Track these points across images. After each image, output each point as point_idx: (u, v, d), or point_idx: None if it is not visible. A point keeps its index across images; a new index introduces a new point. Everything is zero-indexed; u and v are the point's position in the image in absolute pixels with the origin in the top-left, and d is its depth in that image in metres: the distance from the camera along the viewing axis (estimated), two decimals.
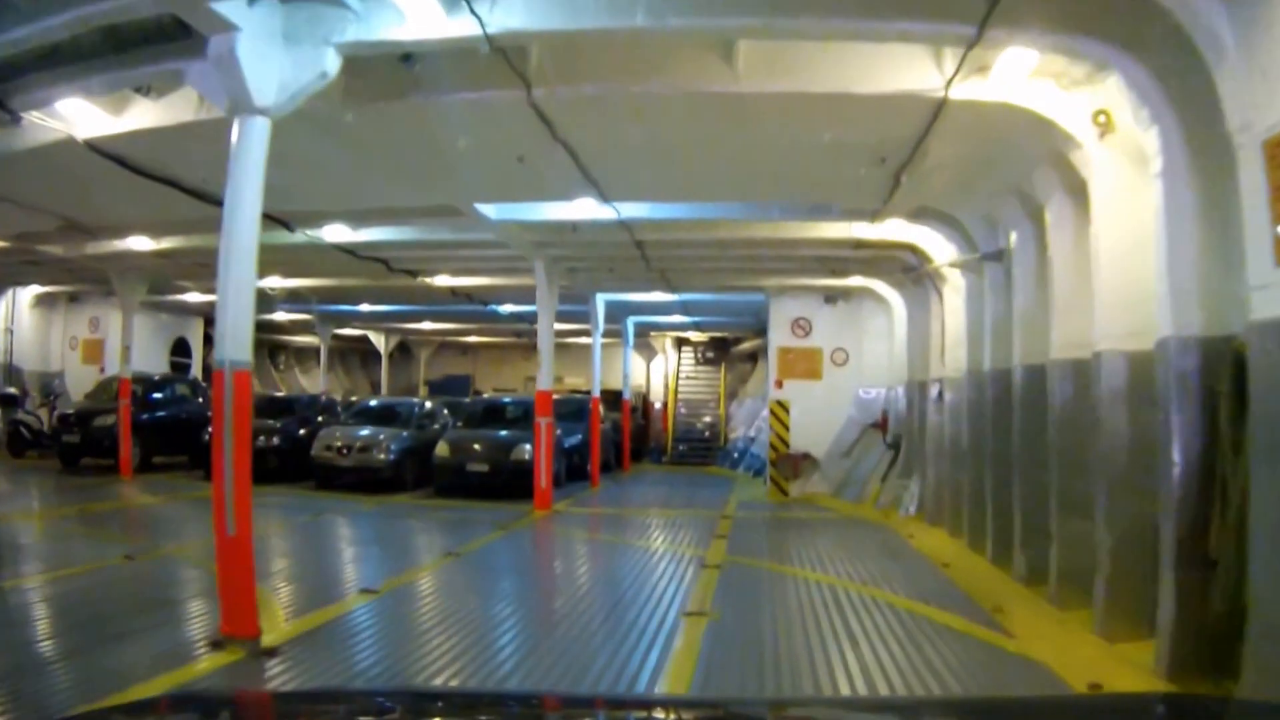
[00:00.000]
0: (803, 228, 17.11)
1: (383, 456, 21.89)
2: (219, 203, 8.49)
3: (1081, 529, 9.78)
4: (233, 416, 8.35)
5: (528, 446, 20.48)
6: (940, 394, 16.78)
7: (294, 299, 28.09)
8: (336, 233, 17.76)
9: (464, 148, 11.41)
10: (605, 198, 14.16)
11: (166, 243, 19.24)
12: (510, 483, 20.66)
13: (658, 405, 38.49)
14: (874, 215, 15.15)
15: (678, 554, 14.17)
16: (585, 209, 15.23)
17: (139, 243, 19.29)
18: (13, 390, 26.63)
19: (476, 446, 21.74)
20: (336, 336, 38.89)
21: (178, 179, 13.34)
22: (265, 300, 26.97)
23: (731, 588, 11.68)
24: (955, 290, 16.03)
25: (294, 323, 36.34)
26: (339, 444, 22.02)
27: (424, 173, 12.86)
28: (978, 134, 10.56)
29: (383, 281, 23.31)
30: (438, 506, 19.65)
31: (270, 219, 15.22)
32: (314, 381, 38.98)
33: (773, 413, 23.88)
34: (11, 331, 28.08)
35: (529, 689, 7.34)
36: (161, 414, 24.80)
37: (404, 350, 45.61)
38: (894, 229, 16.29)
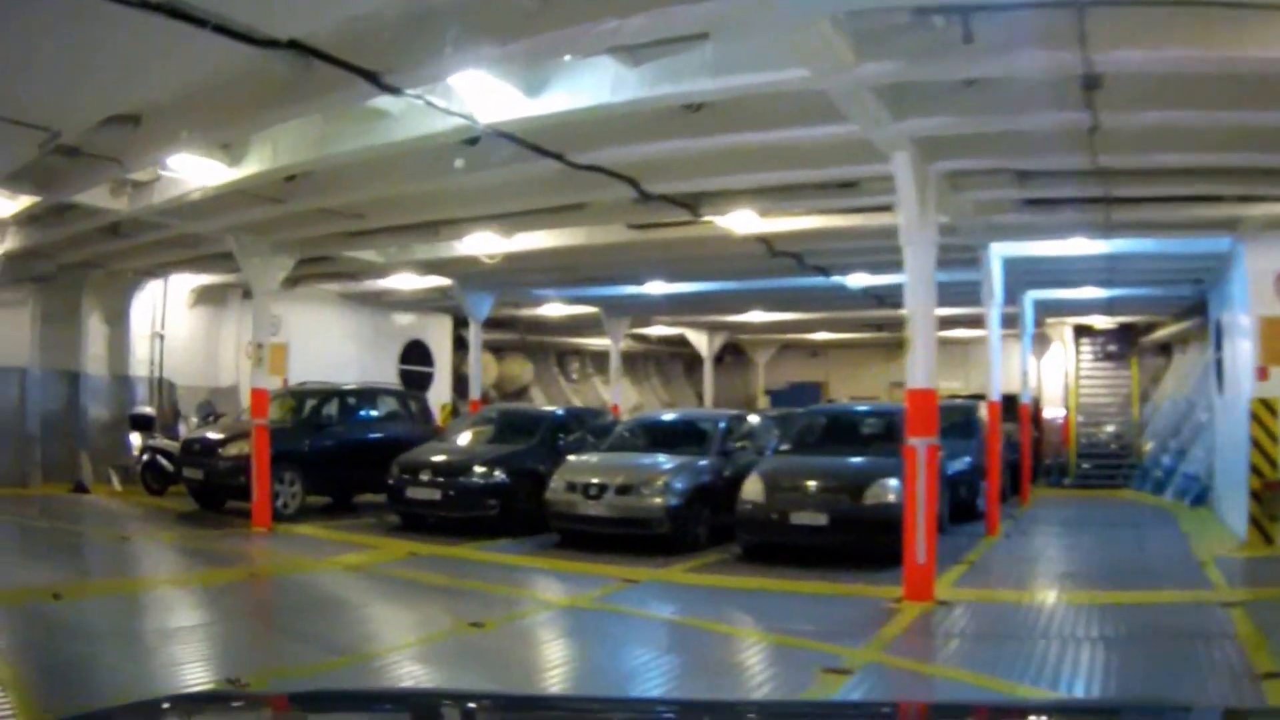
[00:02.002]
0: None
1: (657, 501, 14.48)
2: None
3: None
4: None
5: (892, 484, 13.20)
6: None
7: (522, 279, 22.34)
8: (489, 98, 10.27)
9: None
10: None
11: (255, 163, 12.79)
12: (862, 542, 13.31)
13: (1053, 412, 32.53)
14: None
15: None
16: None
17: (201, 170, 13.05)
18: (148, 411, 21.66)
19: (808, 484, 14.20)
20: (641, 337, 34.64)
21: None
22: (481, 280, 21.92)
23: None
24: None
25: (581, 319, 31.03)
26: (587, 481, 14.81)
27: None
28: None
29: (653, 230, 16.61)
30: (725, 589, 12.20)
31: (329, 61, 8.73)
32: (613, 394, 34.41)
33: (1254, 417, 16.27)
34: (161, 337, 23.30)
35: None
36: (355, 438, 19.17)
37: (735, 353, 39.99)
38: None
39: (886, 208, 14.37)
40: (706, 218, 14.87)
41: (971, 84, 9.69)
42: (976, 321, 28.30)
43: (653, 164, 12.24)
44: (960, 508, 17.60)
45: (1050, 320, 30.75)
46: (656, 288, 23.67)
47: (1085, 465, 30.17)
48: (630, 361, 35.55)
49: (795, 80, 9.08)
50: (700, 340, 34.85)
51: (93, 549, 15.10)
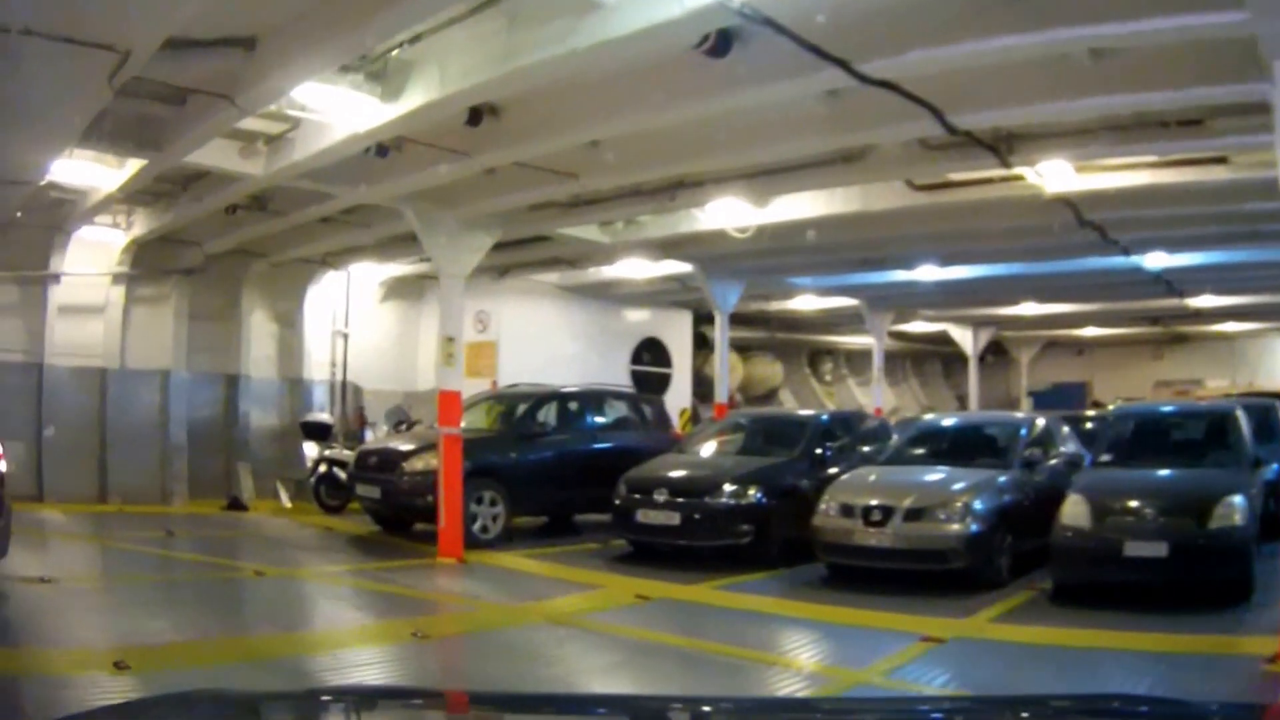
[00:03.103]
0: None
1: (954, 527, 11.69)
2: None
3: None
4: None
5: (1238, 502, 10.84)
6: None
7: (776, 262, 19.66)
8: None
9: None
10: None
11: (419, 94, 10.20)
12: (1205, 577, 10.76)
13: None
14: None
15: None
16: None
17: (347, 109, 10.77)
18: (323, 418, 19.77)
19: (1142, 506, 11.27)
20: (898, 334, 32.17)
21: None
22: (727, 265, 19.50)
23: None
24: None
25: (836, 313, 28.61)
26: (867, 503, 12.06)
27: None
28: None
29: (941, 191, 13.98)
30: (1051, 649, 9.41)
31: None
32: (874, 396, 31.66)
33: None
34: (345, 336, 21.72)
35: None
36: (575, 449, 16.72)
37: (998, 352, 37.31)
38: None
39: (1222, 159, 11.77)
40: (1017, 169, 12.05)
41: None
42: (1244, 314, 27.93)
43: (962, 81, 9.44)
44: (1266, 523, 13.85)
45: None
46: (928, 273, 20.94)
47: None
48: (886, 361, 33.16)
49: None
50: (964, 337, 32.38)
51: (209, 586, 12.51)
